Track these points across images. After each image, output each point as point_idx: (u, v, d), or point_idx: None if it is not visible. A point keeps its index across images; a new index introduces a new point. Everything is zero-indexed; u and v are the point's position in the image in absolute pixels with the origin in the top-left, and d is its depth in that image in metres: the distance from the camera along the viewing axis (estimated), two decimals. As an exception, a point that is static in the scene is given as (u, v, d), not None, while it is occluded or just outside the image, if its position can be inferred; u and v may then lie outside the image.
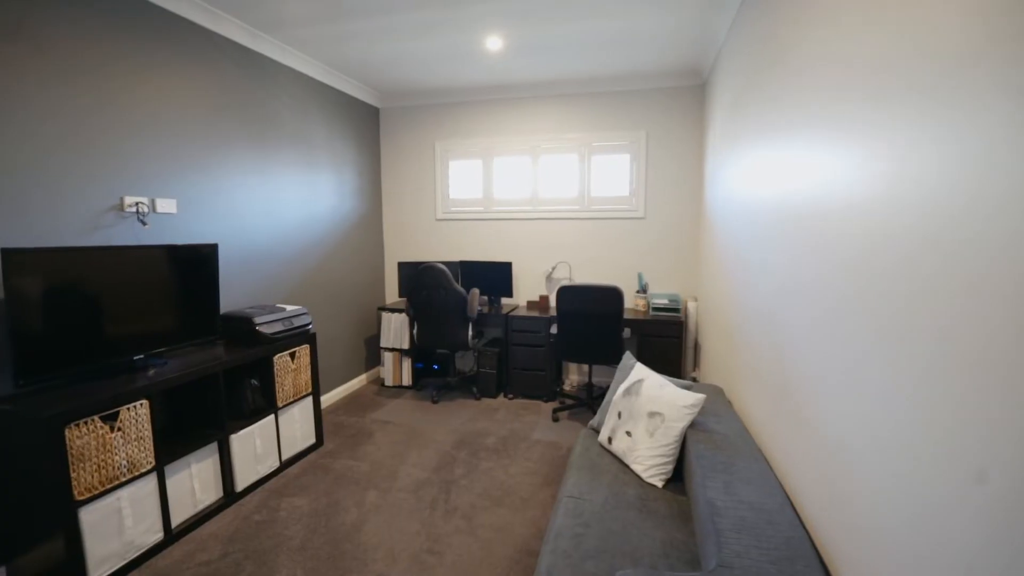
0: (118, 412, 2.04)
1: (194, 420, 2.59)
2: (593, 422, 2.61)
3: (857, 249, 1.18)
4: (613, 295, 3.40)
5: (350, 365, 4.39)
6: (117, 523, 2.04)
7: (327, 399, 4.03)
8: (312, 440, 3.20)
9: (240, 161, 3.15)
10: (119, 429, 2.05)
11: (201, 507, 2.45)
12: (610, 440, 2.32)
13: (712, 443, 1.92)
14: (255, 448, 2.72)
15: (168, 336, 2.50)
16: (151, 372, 2.30)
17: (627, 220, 4.38)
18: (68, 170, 2.22)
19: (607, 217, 4.41)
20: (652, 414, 2.15)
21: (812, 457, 1.44)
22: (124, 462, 2.07)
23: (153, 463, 2.18)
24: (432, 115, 4.71)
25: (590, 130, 4.35)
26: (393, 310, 4.38)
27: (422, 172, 4.80)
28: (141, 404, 2.13)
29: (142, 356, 2.36)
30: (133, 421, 2.10)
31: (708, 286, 3.61)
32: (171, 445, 2.35)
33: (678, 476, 2.09)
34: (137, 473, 2.11)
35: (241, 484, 2.64)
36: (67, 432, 1.86)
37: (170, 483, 2.28)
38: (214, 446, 2.52)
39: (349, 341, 4.37)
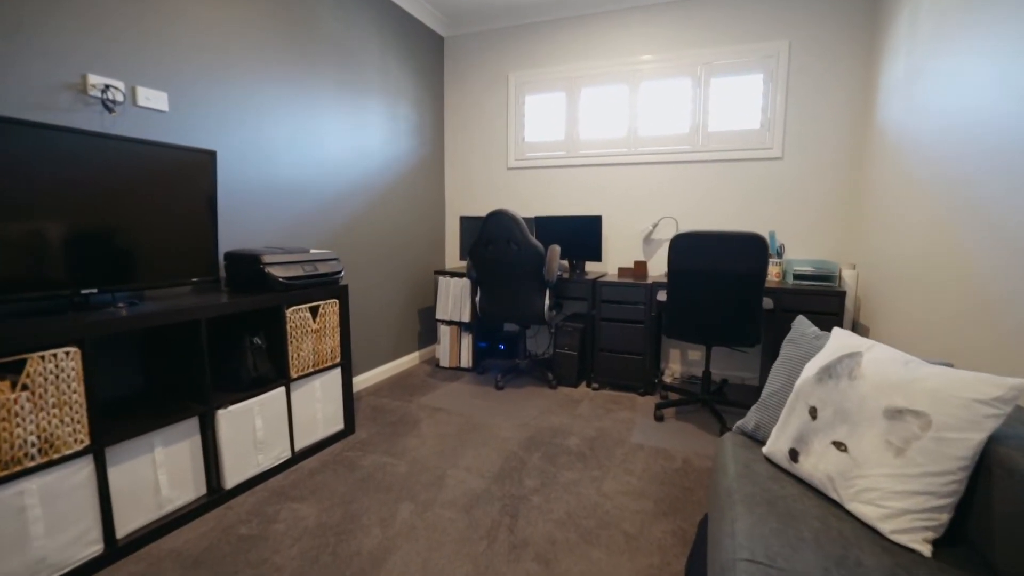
0: (24, 362, 1.35)
1: (171, 389, 1.90)
2: (745, 424, 1.65)
3: None
4: (753, 246, 2.39)
5: (399, 340, 3.64)
6: (17, 530, 1.34)
7: (367, 377, 3.30)
8: (339, 426, 2.45)
9: (263, 61, 2.45)
10: (25, 388, 1.35)
11: (169, 509, 1.74)
12: (794, 455, 1.35)
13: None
14: (254, 431, 1.99)
15: (140, 269, 1.80)
16: (118, 312, 1.60)
17: (757, 162, 3.31)
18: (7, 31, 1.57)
19: (729, 159, 3.36)
20: (897, 413, 1.15)
21: None
22: (32, 438, 1.37)
23: (86, 442, 1.48)
24: (506, 40, 3.86)
25: (709, 44, 3.32)
26: (453, 274, 3.59)
27: (493, 112, 3.97)
28: (67, 353, 1.42)
29: (96, 291, 1.68)
30: (51, 377, 1.40)
31: (886, 246, 2.50)
32: (121, 419, 1.66)
33: (955, 534, 1.09)
34: (56, 456, 1.41)
35: (232, 479, 1.92)
36: (-76, 385, 1.18)
37: (118, 473, 1.58)
38: (193, 424, 1.81)
39: (399, 311, 3.62)
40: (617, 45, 3.55)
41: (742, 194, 3.35)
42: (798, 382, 1.44)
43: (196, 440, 1.82)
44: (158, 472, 1.70)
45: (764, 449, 1.48)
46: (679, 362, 3.63)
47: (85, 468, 1.48)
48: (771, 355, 2.98)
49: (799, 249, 3.28)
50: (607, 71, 3.59)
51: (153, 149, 1.83)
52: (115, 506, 1.56)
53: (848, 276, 2.96)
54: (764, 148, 3.27)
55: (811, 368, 1.42)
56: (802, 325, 1.69)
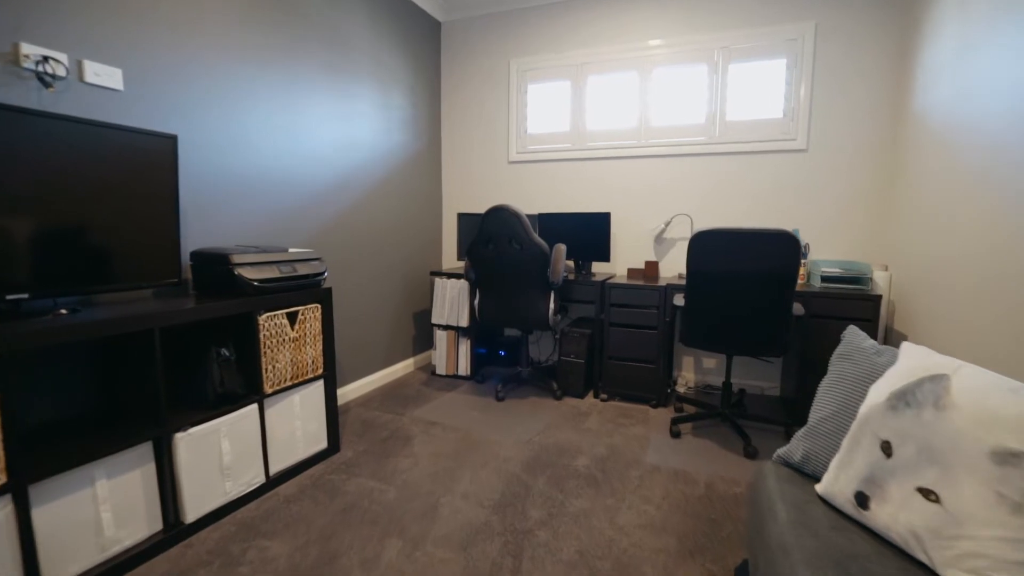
0: (-82, 385, 1.10)
1: (124, 410, 1.66)
2: (790, 453, 1.40)
3: None
4: (783, 245, 2.14)
5: (392, 347, 3.39)
6: (-89, 590, 1.10)
7: (356, 387, 3.05)
8: (322, 444, 2.20)
9: (240, 38, 2.20)
10: (-81, 416, 1.10)
11: (115, 551, 1.49)
12: (862, 500, 1.10)
13: None
14: (220, 455, 1.74)
15: (85, 271, 1.55)
16: (55, 320, 1.35)
17: (779, 154, 3.06)
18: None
19: (748, 151, 3.11)
20: (1011, 457, 0.91)
21: None
22: (-70, 478, 1.12)
23: (2, 479, 1.23)
24: (507, 25, 3.61)
25: (727, 27, 3.07)
26: (450, 275, 3.34)
27: (493, 101, 3.72)
28: (-23, 373, 1.18)
29: (26, 296, 1.43)
30: (-44, 403, 1.15)
31: (928, 245, 2.25)
32: (58, 447, 1.41)
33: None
34: (-38, 498, 1.17)
35: (193, 512, 1.67)
36: None
37: (46, 513, 1.33)
38: (145, 450, 1.56)
39: (392, 315, 3.37)
40: (626, 29, 3.30)
41: (762, 189, 3.10)
42: (863, 409, 1.19)
43: (149, 469, 1.57)
44: (100, 509, 1.45)
45: (819, 488, 1.24)
46: (692, 370, 3.38)
47: (1, 511, 1.23)
48: (795, 364, 2.74)
49: (825, 249, 3.03)
50: (616, 57, 3.34)
51: (101, 131, 1.58)
52: (42, 553, 1.31)
53: (880, 278, 2.71)
54: (787, 139, 3.02)
55: (879, 392, 1.17)
56: (857, 337, 1.45)
